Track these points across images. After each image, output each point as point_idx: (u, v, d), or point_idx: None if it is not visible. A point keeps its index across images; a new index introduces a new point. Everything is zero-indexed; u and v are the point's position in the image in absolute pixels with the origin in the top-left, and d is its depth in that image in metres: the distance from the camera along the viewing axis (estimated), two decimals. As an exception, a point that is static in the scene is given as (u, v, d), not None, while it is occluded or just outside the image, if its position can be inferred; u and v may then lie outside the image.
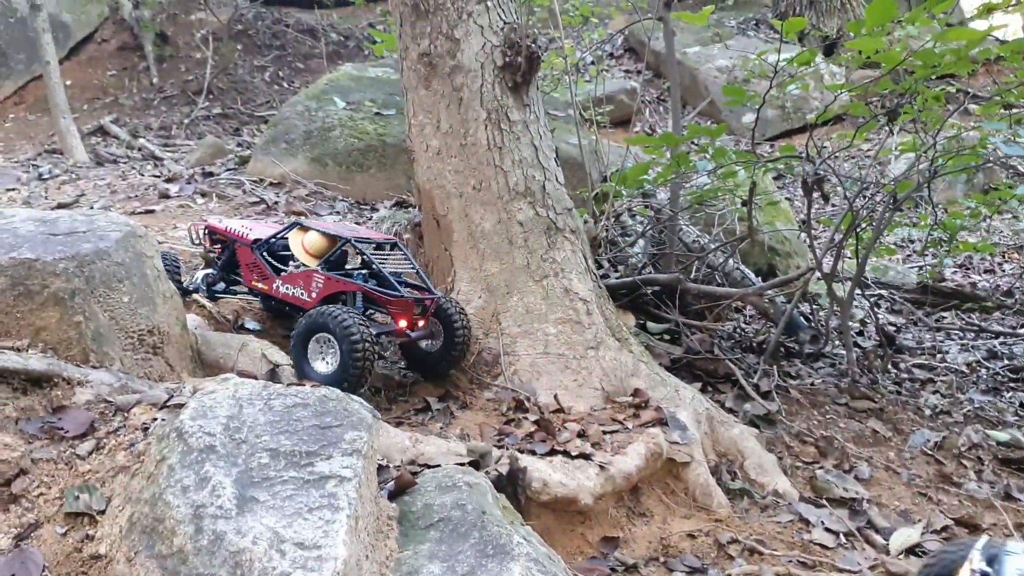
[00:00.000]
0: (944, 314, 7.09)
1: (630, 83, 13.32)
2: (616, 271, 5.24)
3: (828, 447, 3.93)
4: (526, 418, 3.58)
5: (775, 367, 4.60)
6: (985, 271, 8.85)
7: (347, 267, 3.90)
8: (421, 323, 3.70)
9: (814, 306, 5.71)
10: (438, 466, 2.91)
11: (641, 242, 5.53)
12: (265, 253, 3.87)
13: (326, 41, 14.42)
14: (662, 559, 3.07)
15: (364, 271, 3.76)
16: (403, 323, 3.64)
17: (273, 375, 3.36)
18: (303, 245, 3.79)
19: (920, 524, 3.37)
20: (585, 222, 4.63)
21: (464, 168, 4.07)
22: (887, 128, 4.99)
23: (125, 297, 3.00)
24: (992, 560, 2.44)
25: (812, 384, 4.65)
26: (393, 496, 2.70)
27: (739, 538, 3.14)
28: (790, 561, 3.05)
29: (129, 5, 13.74)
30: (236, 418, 2.39)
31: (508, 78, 4.03)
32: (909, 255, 9.08)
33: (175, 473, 2.20)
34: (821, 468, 3.77)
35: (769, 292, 4.88)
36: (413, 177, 4.34)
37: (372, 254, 3.68)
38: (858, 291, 6.53)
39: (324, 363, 3.40)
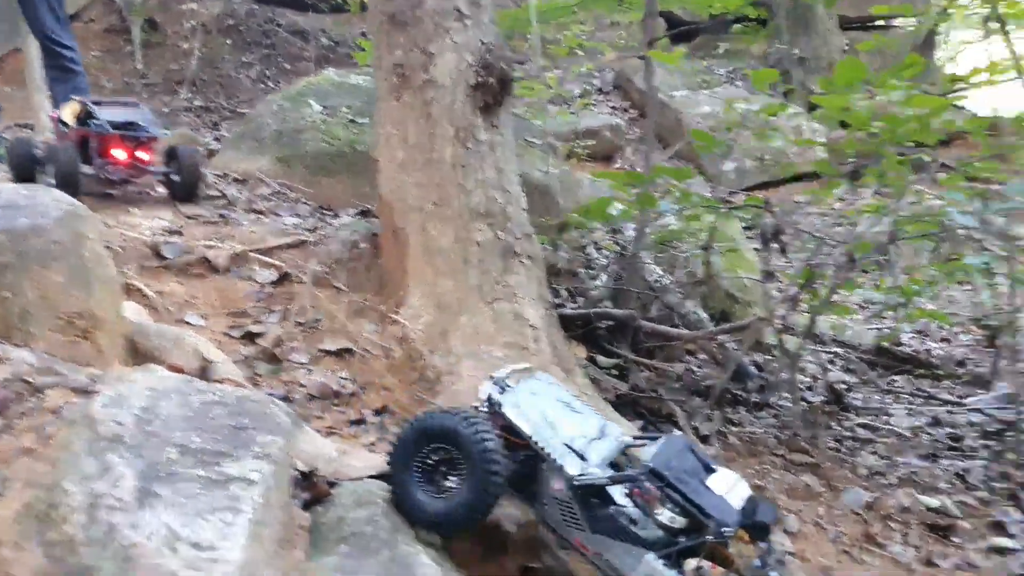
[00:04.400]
0: (896, 377, 7.13)
1: (615, 120, 13.41)
2: (575, 302, 5.24)
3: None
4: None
5: (719, 412, 4.60)
6: (942, 339, 8.92)
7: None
8: (147, 156, 5.15)
9: (767, 356, 5.73)
10: (360, 479, 2.87)
11: (604, 276, 5.54)
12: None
13: (316, 45, 14.39)
14: (581, 594, 3.03)
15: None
16: (122, 154, 5.03)
17: (203, 373, 3.30)
18: (70, 112, 5.23)
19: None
20: (545, 249, 4.62)
21: (427, 183, 4.05)
22: (854, 188, 5.03)
23: (59, 277, 2.94)
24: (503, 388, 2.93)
25: (753, 433, 4.65)
26: (307, 506, 2.66)
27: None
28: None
29: (120, -12, 13.66)
30: (150, 410, 2.34)
31: (479, 98, 4.03)
32: (870, 317, 9.16)
33: (78, 460, 2.14)
34: (750, 518, 3.75)
35: (720, 337, 4.88)
36: (376, 186, 4.31)
37: (100, 109, 5.16)
38: (815, 346, 6.57)
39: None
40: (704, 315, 5.64)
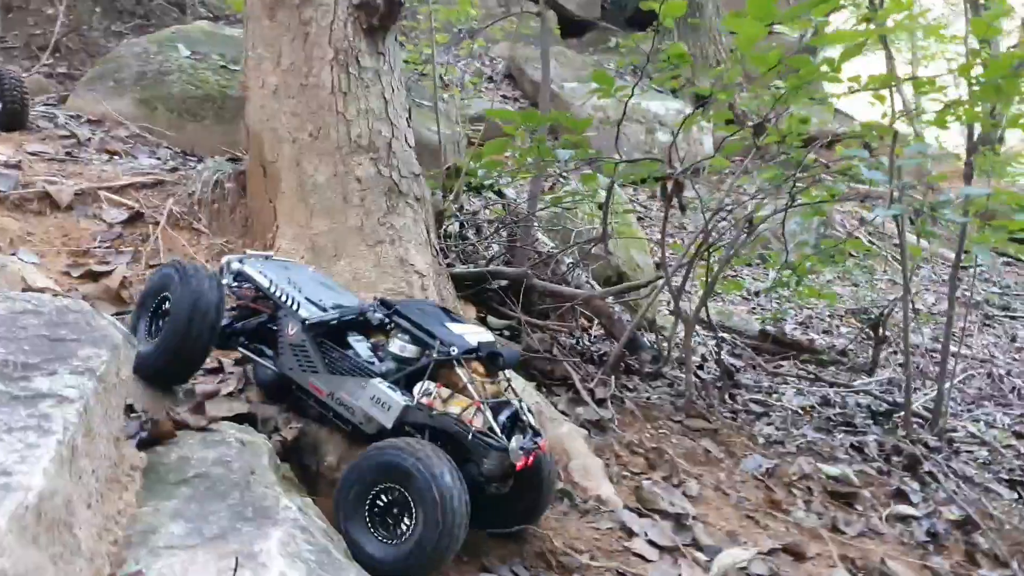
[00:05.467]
0: (782, 363, 7.11)
1: (507, 107, 13.16)
2: (464, 265, 4.89)
3: (658, 460, 3.66)
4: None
5: (613, 378, 4.33)
6: (823, 331, 9.01)
7: None
8: None
9: (659, 336, 5.54)
10: (209, 422, 2.44)
11: (493, 246, 5.24)
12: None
13: (194, 16, 13.59)
14: (465, 558, 2.68)
15: None
16: None
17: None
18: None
19: (753, 548, 3.11)
20: (433, 194, 4.25)
21: (302, 111, 3.63)
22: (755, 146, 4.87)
23: None
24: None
25: (648, 399, 4.40)
26: (144, 445, 2.22)
27: (555, 542, 2.79)
28: (607, 571, 2.72)
29: (-22, -56, 12.56)
30: (-63, 314, 1.87)
31: (364, 19, 3.63)
32: (753, 308, 9.17)
33: None
34: (648, 480, 3.48)
35: (615, 307, 4.62)
36: (244, 118, 3.86)
37: None
38: (703, 332, 6.44)
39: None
40: (597, 287, 5.39)
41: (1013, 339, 9.50)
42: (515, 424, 2.58)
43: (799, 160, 4.55)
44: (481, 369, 2.63)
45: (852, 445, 4.68)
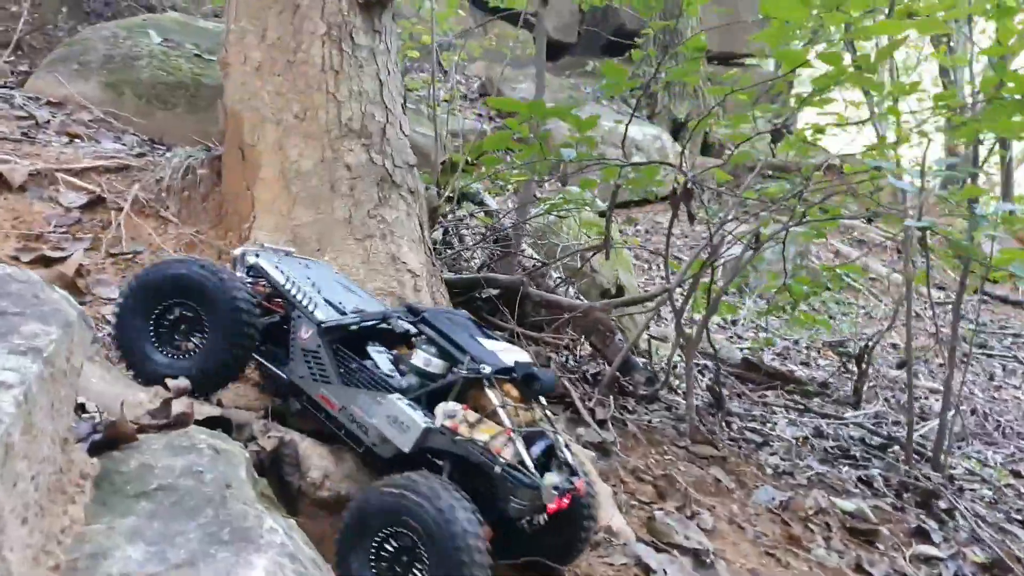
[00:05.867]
0: (766, 393, 6.88)
1: (481, 125, 12.92)
2: (452, 272, 4.56)
3: (669, 488, 3.33)
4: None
5: (611, 399, 4.01)
6: (801, 363, 8.82)
7: None
8: None
9: (647, 357, 5.26)
10: (175, 426, 2.06)
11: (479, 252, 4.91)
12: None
13: (163, 17, 13.18)
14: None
15: None
16: None
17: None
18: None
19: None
20: (427, 189, 3.91)
21: (288, 90, 3.28)
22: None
23: None
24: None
25: (650, 422, 4.08)
26: (98, 449, 1.84)
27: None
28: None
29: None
30: None
31: (360, -8, 3.31)
32: (730, 336, 8.96)
33: None
34: (660, 510, 3.15)
35: (620, 310, 4.32)
36: (222, 97, 3.49)
37: None
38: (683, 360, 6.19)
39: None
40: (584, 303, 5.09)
41: (991, 377, 9.37)
42: (550, 458, 2.28)
43: (808, 174, 4.33)
44: (515, 393, 2.30)
45: (860, 479, 4.39)
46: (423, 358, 2.34)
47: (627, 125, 4.29)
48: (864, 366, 6.68)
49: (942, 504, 4.11)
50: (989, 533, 3.84)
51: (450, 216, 4.94)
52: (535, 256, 5.36)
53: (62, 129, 4.32)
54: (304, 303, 2.46)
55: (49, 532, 1.54)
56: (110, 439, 1.85)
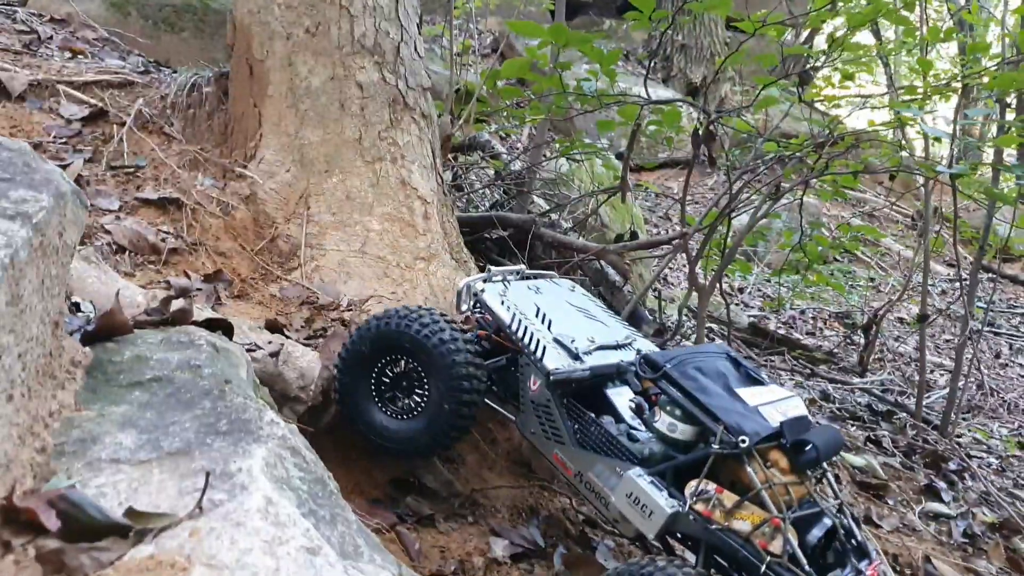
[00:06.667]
0: (772, 357, 6.82)
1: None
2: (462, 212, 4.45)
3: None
4: (322, 316, 2.68)
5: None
6: (806, 333, 8.76)
7: None
8: None
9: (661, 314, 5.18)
10: (173, 324, 1.97)
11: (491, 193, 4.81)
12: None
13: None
14: (470, 517, 2.24)
15: None
16: None
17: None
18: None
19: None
20: (440, 115, 3.77)
21: (299, 3, 3.15)
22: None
23: None
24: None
25: (659, 370, 3.99)
26: (90, 339, 1.74)
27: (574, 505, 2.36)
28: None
29: None
30: None
31: (378, -100, 3.17)
32: (737, 303, 8.88)
33: None
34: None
35: (635, 252, 4.22)
36: (232, 10, 3.36)
37: None
38: (692, 321, 6.10)
39: None
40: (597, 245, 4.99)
41: (997, 355, 9.30)
42: (831, 541, 1.96)
43: (831, 125, 4.20)
44: (784, 463, 1.94)
45: (868, 438, 4.32)
46: (667, 422, 2.02)
47: (645, 83, 4.11)
48: (872, 335, 6.61)
49: (951, 466, 4.03)
50: (998, 496, 3.76)
51: (460, 158, 4.82)
52: (545, 205, 5.25)
53: (65, 45, 4.18)
54: (532, 347, 2.21)
55: (36, 414, 1.45)
56: (103, 329, 1.75)
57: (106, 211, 2.91)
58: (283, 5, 3.16)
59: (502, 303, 2.34)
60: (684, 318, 5.07)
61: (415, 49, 3.31)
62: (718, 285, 4.49)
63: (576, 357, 2.20)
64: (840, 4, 4.15)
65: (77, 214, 1.62)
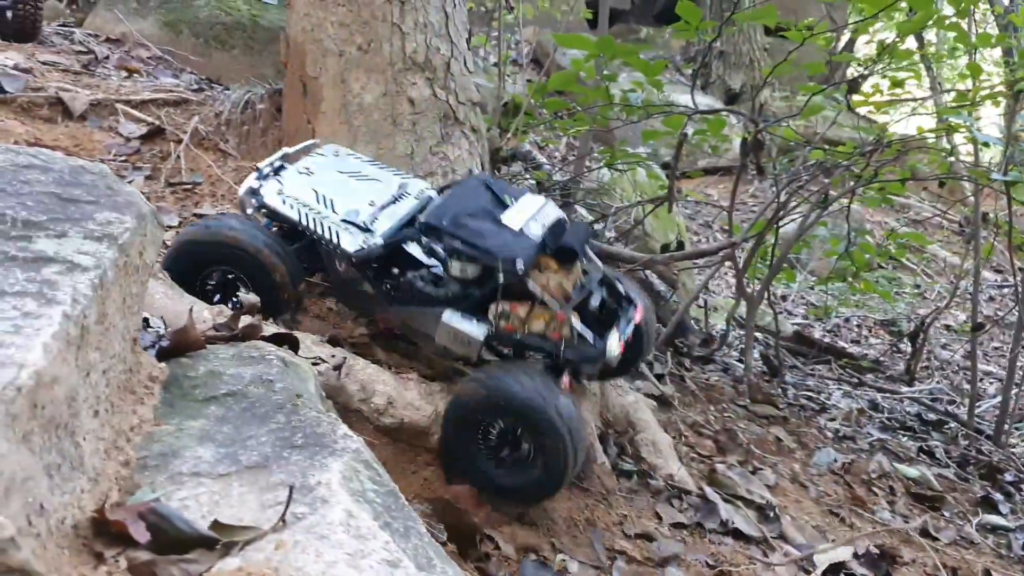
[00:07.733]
0: (818, 367, 6.75)
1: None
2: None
3: (730, 443, 3.24)
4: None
5: (667, 356, 3.92)
6: (852, 341, 8.66)
7: None
8: None
9: (707, 324, 5.16)
10: (242, 339, 2.01)
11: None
12: None
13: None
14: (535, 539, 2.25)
15: None
16: None
17: None
18: None
19: (847, 547, 2.69)
20: (489, 130, 3.81)
21: (352, 21, 3.20)
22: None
23: None
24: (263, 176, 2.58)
25: (708, 380, 3.98)
26: (165, 355, 1.79)
27: (631, 519, 2.37)
28: (696, 561, 2.30)
29: None
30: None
31: (430, -80, 3.21)
32: (780, 312, 8.81)
33: None
34: (722, 463, 3.06)
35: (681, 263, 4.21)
36: (285, 28, 3.43)
37: None
38: (737, 331, 6.07)
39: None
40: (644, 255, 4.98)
41: (1047, 364, 9.10)
42: (605, 305, 2.45)
43: (879, 132, 4.17)
44: (554, 264, 2.37)
45: (921, 449, 4.27)
46: (458, 267, 2.38)
47: (692, 92, 4.10)
48: (919, 343, 6.51)
49: (1008, 477, 3.97)
50: (1058, 508, 3.70)
51: (503, 170, 4.85)
52: (588, 215, 5.26)
53: (121, 64, 4.29)
54: (328, 236, 2.43)
55: (119, 429, 1.49)
56: (178, 345, 1.80)
57: (167, 228, 2.98)
58: (336, 23, 3.21)
59: (284, 201, 2.50)
60: (731, 327, 5.05)
61: (465, 64, 3.35)
62: (765, 294, 4.47)
63: (366, 230, 2.44)
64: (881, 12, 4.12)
65: (155, 234, 1.67)
